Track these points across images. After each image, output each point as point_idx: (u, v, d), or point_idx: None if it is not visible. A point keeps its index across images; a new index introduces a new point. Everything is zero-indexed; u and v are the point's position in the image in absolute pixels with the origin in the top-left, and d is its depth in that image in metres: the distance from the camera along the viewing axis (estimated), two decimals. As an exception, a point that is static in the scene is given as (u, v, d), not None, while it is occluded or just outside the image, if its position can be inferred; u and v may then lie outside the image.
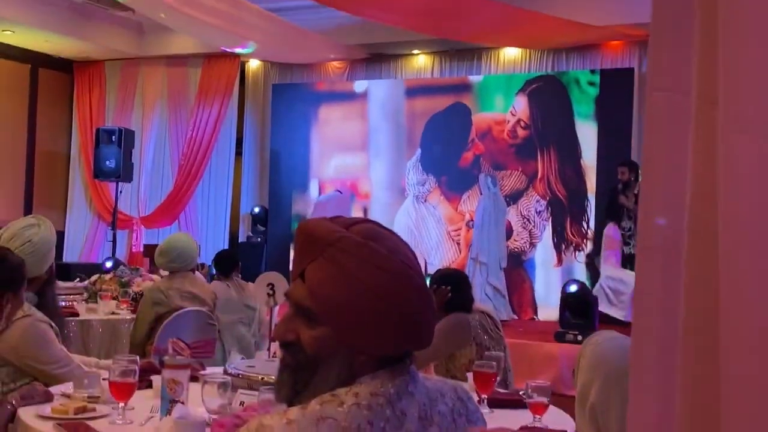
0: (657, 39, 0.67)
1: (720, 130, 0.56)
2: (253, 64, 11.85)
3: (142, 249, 11.23)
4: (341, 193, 10.22)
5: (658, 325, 0.61)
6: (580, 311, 7.57)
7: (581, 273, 9.25)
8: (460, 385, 1.45)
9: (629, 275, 7.70)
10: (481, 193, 9.01)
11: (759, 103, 0.56)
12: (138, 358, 2.73)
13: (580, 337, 7.41)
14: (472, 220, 9.35)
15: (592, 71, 9.83)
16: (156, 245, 8.61)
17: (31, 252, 3.21)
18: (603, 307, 7.76)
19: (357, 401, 1.21)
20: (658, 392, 0.59)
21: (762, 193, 0.55)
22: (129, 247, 11.69)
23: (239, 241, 11.44)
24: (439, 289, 3.63)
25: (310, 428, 1.17)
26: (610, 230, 8.25)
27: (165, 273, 5.71)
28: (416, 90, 10.80)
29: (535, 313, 9.53)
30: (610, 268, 8.00)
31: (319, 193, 10.80)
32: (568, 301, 7.65)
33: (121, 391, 2.45)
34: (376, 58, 11.04)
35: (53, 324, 3.16)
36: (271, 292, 3.28)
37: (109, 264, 8.47)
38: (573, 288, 7.69)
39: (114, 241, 10.57)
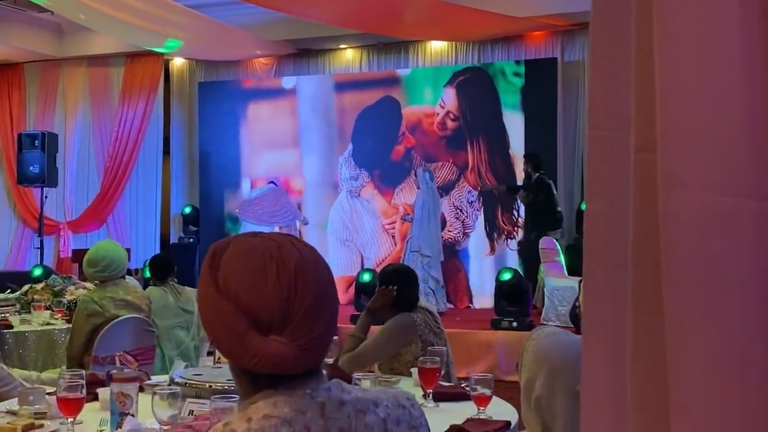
0: (594, 77, 0.73)
1: (659, 183, 0.62)
2: (178, 62, 11.69)
3: (70, 254, 11.00)
4: (276, 184, 10.15)
5: (606, 345, 0.67)
6: (514, 298, 7.73)
7: (514, 260, 9.45)
8: (404, 393, 1.44)
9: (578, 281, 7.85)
10: (418, 188, 9.09)
11: (695, 155, 0.62)
12: (84, 372, 2.71)
13: (515, 324, 7.59)
14: (407, 214, 9.42)
15: (517, 62, 10.01)
16: (85, 250, 8.46)
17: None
18: (551, 320, 7.88)
19: (249, 427, 1.22)
20: (610, 409, 0.65)
21: (701, 241, 0.61)
22: (57, 253, 11.45)
23: (171, 242, 11.30)
24: (386, 289, 3.68)
25: None
26: (545, 243, 8.43)
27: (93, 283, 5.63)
28: (345, 85, 10.82)
29: (471, 301, 9.70)
30: (554, 279, 8.16)
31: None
32: (502, 289, 7.81)
33: (70, 407, 2.43)
34: (304, 54, 11.01)
35: (-9, 341, 3.11)
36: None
37: (37, 272, 8.27)
38: (507, 276, 7.85)
39: (41, 248, 10.32)
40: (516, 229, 9.59)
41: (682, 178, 0.62)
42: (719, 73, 0.61)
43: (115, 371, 2.56)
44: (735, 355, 0.59)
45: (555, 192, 8.96)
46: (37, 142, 10.15)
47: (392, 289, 3.66)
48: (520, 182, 9.39)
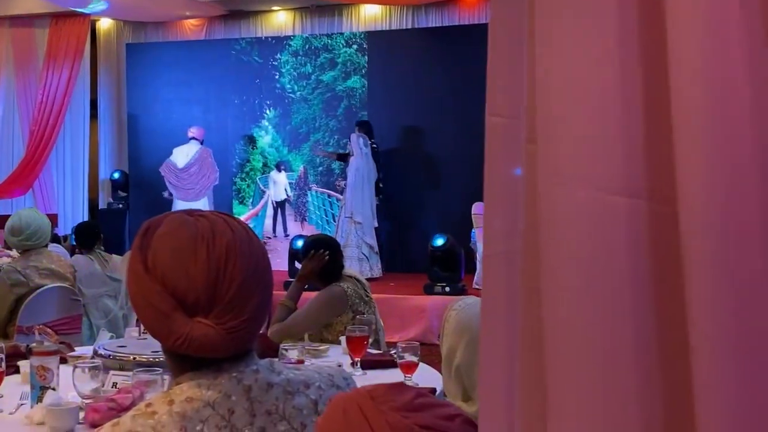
0: (493, 61, 0.73)
1: (538, 176, 0.63)
2: (105, 24, 11.35)
3: (-5, 221, 10.69)
4: (198, 140, 10.02)
5: (503, 330, 0.68)
6: (447, 264, 7.81)
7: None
8: (341, 373, 1.44)
9: None
10: (352, 153, 9.05)
11: (571, 150, 0.63)
12: (3, 345, 2.65)
13: (448, 289, 7.68)
14: (341, 179, 9.37)
15: (450, 26, 10.00)
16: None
17: None
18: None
19: (170, 410, 1.21)
20: (506, 392, 0.66)
21: (575, 236, 0.62)
22: (-20, 220, 11.10)
23: (100, 208, 11.07)
24: (317, 253, 3.67)
25: None
26: (477, 208, 8.50)
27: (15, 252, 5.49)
28: (278, 47, 10.68)
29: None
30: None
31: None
32: (435, 255, 7.87)
33: (-12, 382, 2.39)
34: (235, 15, 10.81)
35: None
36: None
37: (-41, 239, 8.02)
38: (440, 242, 7.91)
39: (-37, 215, 9.99)
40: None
41: (559, 172, 0.63)
42: (595, 67, 0.62)
43: (35, 344, 2.51)
44: (606, 353, 0.61)
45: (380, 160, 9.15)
46: (-44, 104, 9.79)
47: (323, 253, 3.65)
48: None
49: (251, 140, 10.54)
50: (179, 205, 9.70)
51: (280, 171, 10.30)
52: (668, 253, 0.60)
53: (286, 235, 10.06)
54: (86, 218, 10.63)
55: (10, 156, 11.16)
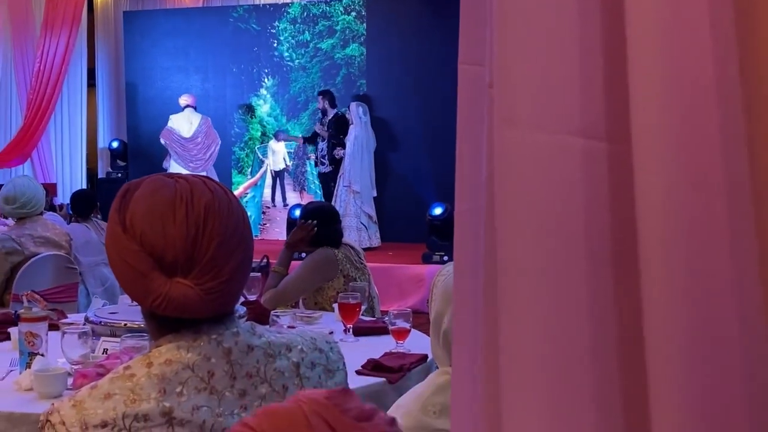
0: (464, 8, 0.70)
1: (493, 120, 0.60)
2: (102, -10, 11.26)
3: (-7, 190, 10.67)
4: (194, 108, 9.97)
5: (471, 290, 0.66)
6: (445, 233, 7.80)
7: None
8: (324, 336, 1.42)
9: None
10: (352, 122, 9.01)
11: (528, 93, 0.60)
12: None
13: (446, 258, 7.67)
14: (340, 149, 9.33)
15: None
16: (8, 186, 8.20)
17: None
18: None
19: (149, 372, 1.20)
20: (474, 350, 0.64)
21: (525, 186, 0.60)
22: (-22, 189, 11.08)
23: (99, 177, 11.05)
24: (305, 223, 3.66)
25: (96, 407, 1.17)
26: None
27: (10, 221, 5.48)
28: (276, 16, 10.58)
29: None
30: None
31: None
32: (433, 224, 7.86)
33: (-24, 348, 2.38)
34: (233, -18, 10.72)
35: None
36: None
37: (-43, 208, 8.01)
38: (438, 211, 7.89)
39: (-39, 184, 9.97)
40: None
41: (514, 116, 0.60)
42: (553, 9, 0.59)
43: (23, 311, 2.50)
44: (562, 297, 0.59)
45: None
46: (-47, 73, 9.73)
47: (311, 223, 3.64)
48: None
49: (250, 109, 10.48)
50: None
51: (278, 140, 10.26)
52: (625, 193, 0.58)
53: (285, 205, 10.04)
54: (80, 188, 10.61)
55: (8, 125, 11.11)
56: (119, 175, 10.70)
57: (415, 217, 9.28)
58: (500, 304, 0.60)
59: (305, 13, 10.34)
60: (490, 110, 0.62)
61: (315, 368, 1.35)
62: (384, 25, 10.02)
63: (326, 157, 9.13)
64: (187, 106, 10.00)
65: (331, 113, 9.19)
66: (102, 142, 11.28)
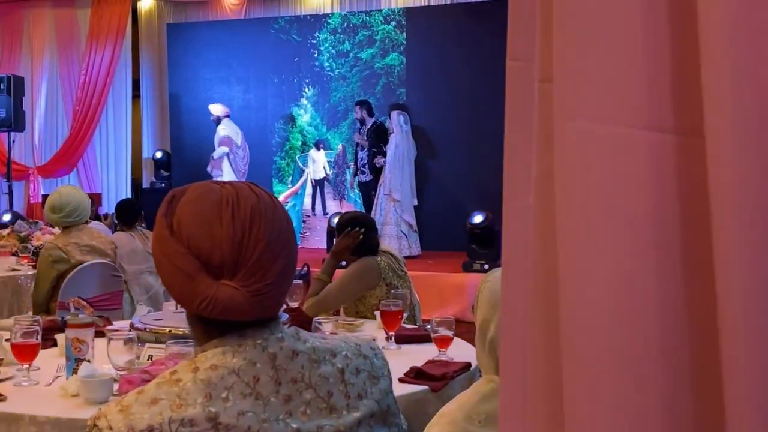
0: (513, 4, 0.69)
1: (554, 114, 0.59)
2: (146, 4, 11.44)
3: (40, 200, 10.88)
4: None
5: (522, 293, 0.65)
6: (486, 242, 7.75)
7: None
8: (368, 342, 1.42)
9: None
10: (392, 131, 9.02)
11: (589, 85, 0.58)
12: (40, 318, 2.68)
13: (486, 267, 7.62)
14: (381, 157, 9.33)
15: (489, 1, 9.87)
16: (55, 196, 8.35)
17: None
18: None
19: (195, 377, 1.20)
20: (524, 356, 0.63)
21: (589, 180, 0.58)
22: (27, 199, 11.31)
23: (143, 187, 11.20)
24: (351, 231, 3.66)
25: (142, 412, 1.17)
26: None
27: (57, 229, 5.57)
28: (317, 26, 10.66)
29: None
30: None
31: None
32: (474, 232, 7.82)
33: (24, 353, 2.41)
34: (274, -6, 10.82)
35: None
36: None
37: (6, 217, 8.18)
38: (478, 219, 7.85)
39: (10, 193, 10.19)
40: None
41: (575, 109, 0.59)
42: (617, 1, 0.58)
43: (69, 317, 2.53)
44: (631, 301, 0.57)
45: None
46: (2, 85, 9.94)
47: (359, 231, 3.64)
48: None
49: (290, 119, 10.55)
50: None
51: (318, 149, 10.31)
52: (694, 187, 0.56)
53: (325, 214, 10.07)
54: (125, 198, 10.77)
55: (55, 136, 11.33)
56: (163, 184, 10.83)
57: (456, 226, 9.25)
58: (563, 302, 0.58)
59: (345, 24, 10.39)
60: (543, 105, 0.61)
61: (360, 374, 1.34)
62: (423, 34, 10.02)
63: (366, 166, 9.15)
64: (226, 115, 10.13)
65: (369, 122, 9.21)
66: (146, 153, 11.44)
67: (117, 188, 11.14)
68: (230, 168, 10.13)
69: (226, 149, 10.18)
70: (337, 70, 10.36)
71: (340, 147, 10.29)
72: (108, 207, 10.43)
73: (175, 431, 1.17)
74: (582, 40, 0.59)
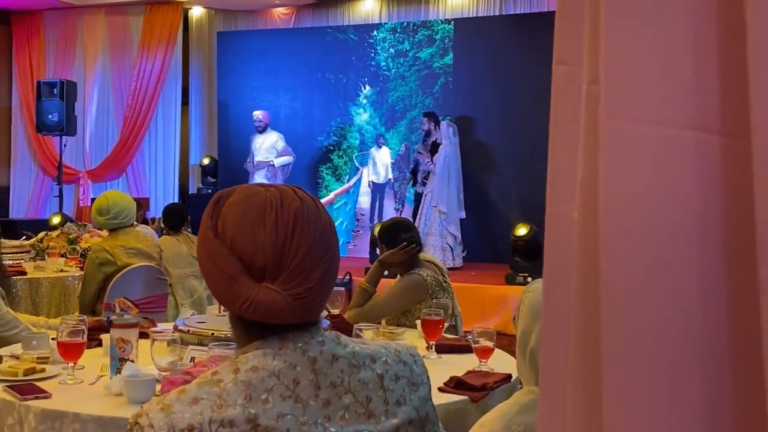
0: (561, 9, 0.68)
1: (601, 115, 0.58)
2: (197, 12, 11.60)
3: (89, 203, 11.09)
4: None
5: (564, 298, 0.63)
6: (530, 254, 7.69)
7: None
8: (408, 349, 1.40)
9: None
10: (441, 142, 9.00)
11: (636, 86, 0.58)
12: (86, 317, 2.72)
13: (529, 279, 7.56)
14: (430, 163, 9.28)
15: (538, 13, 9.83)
16: (103, 199, 8.50)
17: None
18: None
19: (235, 378, 1.21)
20: (562, 363, 0.62)
21: (635, 181, 0.57)
22: (76, 202, 11.53)
23: (189, 193, 11.34)
24: (408, 246, 3.64)
25: (183, 411, 1.17)
26: None
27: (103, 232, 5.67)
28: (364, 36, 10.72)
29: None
30: None
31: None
32: (517, 245, 7.77)
33: (70, 351, 2.45)
34: (323, 4, 10.89)
35: (-1, 286, 3.13)
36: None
37: (56, 220, 8.34)
38: (522, 231, 7.80)
39: (60, 196, 10.40)
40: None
41: (622, 110, 0.58)
42: (665, 3, 0.57)
43: (114, 317, 2.57)
44: (674, 303, 0.56)
45: None
46: (56, 90, 10.16)
47: (414, 247, 3.64)
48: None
49: (348, 118, 10.61)
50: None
51: (380, 147, 10.27)
52: (739, 189, 0.55)
53: (380, 219, 9.99)
54: (172, 202, 10.91)
55: (105, 140, 11.54)
56: (209, 191, 10.96)
57: (499, 238, 9.20)
58: (603, 304, 0.57)
59: (405, 23, 10.45)
60: (590, 108, 0.60)
61: (399, 381, 1.33)
62: (471, 45, 10.02)
63: (428, 178, 9.07)
64: (268, 125, 10.25)
65: (434, 135, 9.12)
66: (193, 159, 11.59)
67: (164, 193, 11.29)
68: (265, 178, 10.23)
69: (290, 159, 10.32)
70: (394, 70, 10.40)
71: (403, 147, 10.24)
72: (155, 212, 10.58)
73: (215, 431, 1.18)
74: (630, 41, 0.58)
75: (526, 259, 7.74)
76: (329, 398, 1.25)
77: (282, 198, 1.28)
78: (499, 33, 9.89)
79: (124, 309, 2.83)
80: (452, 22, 10.21)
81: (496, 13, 10.14)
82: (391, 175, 10.24)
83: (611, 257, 0.58)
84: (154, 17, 11.20)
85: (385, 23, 10.60)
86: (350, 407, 1.26)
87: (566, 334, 0.62)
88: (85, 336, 2.50)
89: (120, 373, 2.35)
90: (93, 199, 10.83)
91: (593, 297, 0.58)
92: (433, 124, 9.13)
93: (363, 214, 10.29)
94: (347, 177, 10.60)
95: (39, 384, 2.41)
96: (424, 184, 9.06)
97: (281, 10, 11.15)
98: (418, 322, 3.19)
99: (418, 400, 1.35)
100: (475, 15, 10.26)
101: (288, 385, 1.23)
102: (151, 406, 1.21)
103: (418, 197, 9.25)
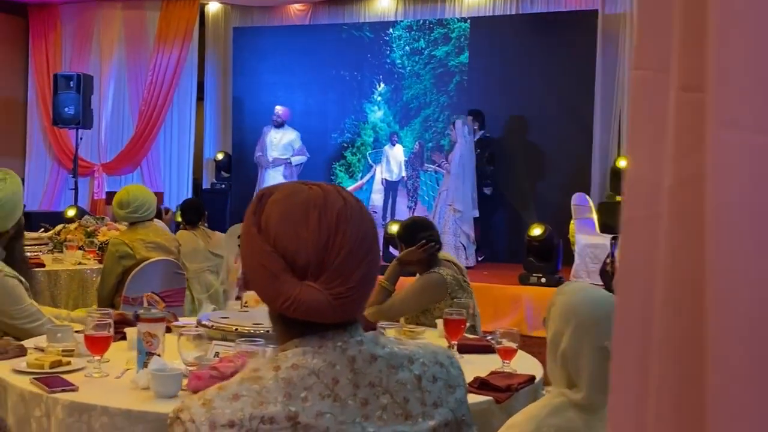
0: (641, 16, 0.68)
1: (708, 123, 0.58)
2: (213, 7, 11.62)
3: (104, 196, 11.12)
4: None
5: (640, 310, 0.63)
6: (544, 254, 7.68)
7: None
8: (444, 351, 1.41)
9: (609, 239, 7.78)
10: (456, 140, 8.98)
11: (751, 95, 0.57)
12: (111, 311, 2.73)
13: (543, 280, 7.55)
14: (445, 162, 9.25)
15: (557, 13, 9.81)
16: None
17: (-3, 208, 3.16)
18: (581, 277, 7.83)
19: (276, 375, 1.21)
20: (639, 387, 0.61)
21: (752, 187, 0.56)
22: (91, 195, 11.57)
23: (203, 187, 11.37)
24: (427, 245, 3.65)
25: (224, 407, 1.18)
26: (577, 199, 8.34)
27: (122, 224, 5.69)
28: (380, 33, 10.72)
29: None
30: (585, 236, 8.07)
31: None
32: (532, 245, 7.75)
33: (97, 345, 2.46)
34: (339, 1, 10.89)
35: (22, 279, 3.14)
36: (239, 243, 3.27)
37: (71, 212, 8.36)
38: (537, 231, 7.78)
39: (76, 189, 10.44)
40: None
41: (734, 118, 0.57)
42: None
43: (142, 311, 2.58)
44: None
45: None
46: (72, 83, 10.19)
47: (433, 246, 3.65)
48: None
49: (362, 115, 10.61)
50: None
51: (394, 144, 10.25)
52: None
53: (393, 217, 9.99)
54: (190, 197, 10.94)
55: (120, 134, 11.57)
56: (223, 186, 10.98)
57: (513, 238, 9.19)
58: (712, 312, 0.57)
59: (421, 21, 10.45)
60: (684, 114, 0.60)
61: (436, 382, 1.33)
62: (487, 44, 10.01)
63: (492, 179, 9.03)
64: (285, 122, 10.26)
65: (478, 135, 9.08)
66: (207, 154, 11.61)
67: (178, 188, 11.32)
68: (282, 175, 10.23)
69: (305, 158, 10.35)
70: (409, 68, 10.40)
71: (417, 145, 10.24)
72: (168, 206, 10.62)
73: (256, 428, 1.18)
74: (743, 47, 0.58)
75: (541, 260, 7.72)
76: (367, 398, 1.25)
77: (325, 197, 1.29)
78: (516, 32, 9.87)
79: (151, 303, 2.83)
80: (468, 20, 10.20)
81: (513, 12, 10.12)
82: (404, 173, 10.23)
83: (721, 263, 0.57)
84: (170, 12, 11.22)
85: (401, 21, 10.60)
86: (388, 407, 1.27)
87: (643, 338, 0.62)
88: (112, 329, 2.51)
89: (147, 367, 2.35)
90: (108, 193, 10.88)
91: (687, 301, 0.58)
92: (477, 124, 9.05)
93: (376, 212, 10.28)
94: (360, 174, 10.60)
95: (65, 377, 2.42)
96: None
97: (297, 6, 11.15)
98: (439, 322, 3.19)
99: (455, 402, 1.35)
100: (491, 14, 10.24)
101: (327, 383, 1.23)
102: (191, 401, 1.22)
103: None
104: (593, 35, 9.42)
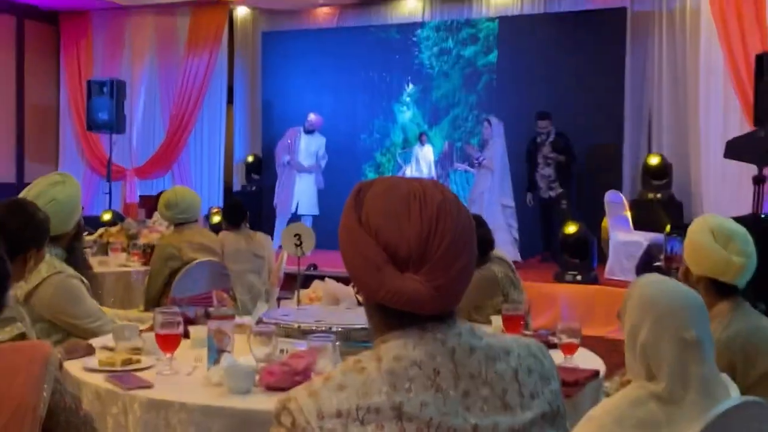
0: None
1: None
2: (241, 12, 11.70)
3: (137, 200, 11.23)
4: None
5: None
6: (578, 252, 7.67)
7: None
8: (536, 343, 1.41)
9: (644, 236, 7.77)
10: (490, 138, 8.99)
11: None
12: (178, 309, 2.77)
13: (579, 278, 7.54)
14: (480, 155, 9.23)
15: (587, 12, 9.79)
16: (152, 196, 8.61)
17: (58, 210, 3.21)
18: (616, 274, 7.84)
19: (379, 366, 1.23)
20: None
21: None
22: (123, 198, 11.68)
23: (234, 190, 11.44)
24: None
25: (331, 397, 1.20)
26: (610, 196, 8.33)
27: (163, 226, 5.76)
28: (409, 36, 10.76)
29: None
30: (619, 233, 8.06)
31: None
32: (566, 243, 7.74)
33: (168, 343, 2.50)
34: (366, 3, 10.93)
35: (84, 279, 3.20)
36: (298, 242, 3.32)
37: (107, 216, 8.46)
38: (571, 229, 7.77)
39: (110, 193, 10.56)
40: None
41: None
42: None
43: (213, 309, 2.63)
44: None
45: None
46: (105, 89, 10.32)
47: (485, 242, 3.67)
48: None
49: (391, 116, 10.64)
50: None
51: (423, 144, 10.25)
52: None
53: None
54: (221, 200, 11.02)
55: (152, 138, 11.68)
56: (253, 188, 11.05)
57: (546, 236, 9.17)
58: None
59: (448, 21, 10.47)
60: None
61: (532, 374, 1.34)
62: (516, 44, 10.01)
63: (555, 182, 9.00)
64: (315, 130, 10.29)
65: (552, 135, 9.03)
66: (238, 157, 11.69)
67: (209, 191, 11.40)
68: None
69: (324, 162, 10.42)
70: (438, 68, 10.42)
71: (446, 145, 10.25)
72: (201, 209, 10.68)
73: (362, 417, 1.21)
74: None
75: (575, 257, 7.71)
76: (468, 389, 1.27)
77: (425, 191, 1.31)
78: (544, 31, 9.87)
79: (221, 302, 2.88)
80: (496, 20, 10.21)
81: (541, 12, 10.10)
82: (434, 173, 10.24)
83: None
84: (200, 18, 11.31)
85: (428, 22, 10.62)
86: (488, 399, 1.27)
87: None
88: (182, 328, 2.55)
89: (218, 364, 2.40)
90: (141, 197, 10.99)
91: None
92: (546, 122, 9.01)
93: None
94: (390, 174, 10.63)
95: (138, 374, 2.46)
96: (552, 188, 8.96)
97: (325, 9, 11.21)
98: (494, 318, 3.21)
99: (550, 394, 1.36)
100: (519, 13, 10.23)
101: (429, 375, 1.24)
102: (297, 392, 1.24)
103: (546, 204, 9.11)
104: (622, 33, 9.40)
